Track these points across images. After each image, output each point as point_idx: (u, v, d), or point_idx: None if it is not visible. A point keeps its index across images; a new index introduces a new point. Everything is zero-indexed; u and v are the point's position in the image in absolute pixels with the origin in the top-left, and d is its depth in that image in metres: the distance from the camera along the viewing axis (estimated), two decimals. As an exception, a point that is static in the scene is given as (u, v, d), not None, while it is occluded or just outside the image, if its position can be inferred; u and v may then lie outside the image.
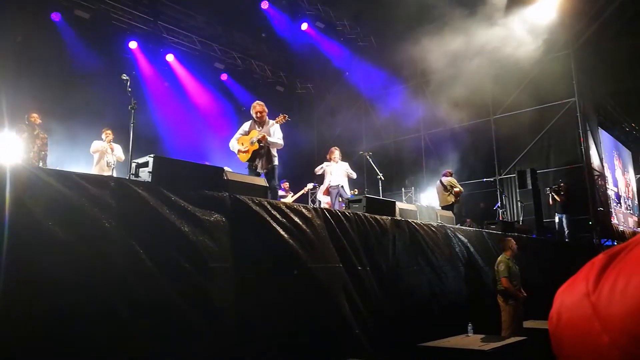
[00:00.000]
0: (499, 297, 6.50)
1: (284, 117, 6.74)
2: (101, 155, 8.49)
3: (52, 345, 2.54)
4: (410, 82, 15.41)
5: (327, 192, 9.05)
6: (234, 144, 6.63)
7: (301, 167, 14.36)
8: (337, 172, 8.87)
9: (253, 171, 6.43)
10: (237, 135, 6.66)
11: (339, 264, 4.52)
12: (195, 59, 14.18)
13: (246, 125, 6.65)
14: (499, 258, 6.65)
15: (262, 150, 6.44)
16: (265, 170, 6.41)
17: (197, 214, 3.44)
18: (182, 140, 12.62)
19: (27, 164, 6.99)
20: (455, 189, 10.02)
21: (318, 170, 9.25)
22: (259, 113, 6.57)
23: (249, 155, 6.46)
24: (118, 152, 8.58)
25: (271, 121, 6.65)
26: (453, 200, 9.98)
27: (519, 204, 12.23)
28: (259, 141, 6.37)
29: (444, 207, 9.59)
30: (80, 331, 2.64)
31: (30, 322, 2.48)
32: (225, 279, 3.48)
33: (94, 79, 10.80)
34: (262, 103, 6.69)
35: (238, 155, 6.61)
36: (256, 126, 6.58)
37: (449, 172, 10.46)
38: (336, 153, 8.97)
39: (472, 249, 6.94)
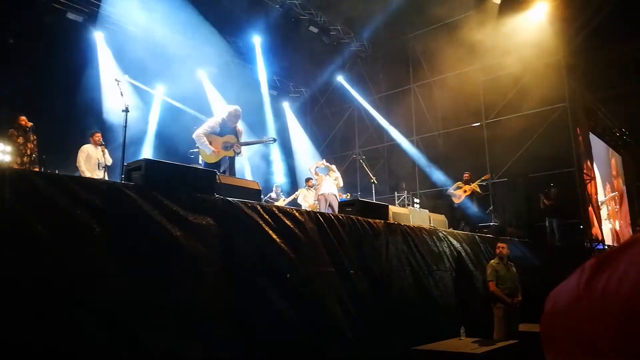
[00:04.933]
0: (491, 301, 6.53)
1: (272, 140, 6.77)
2: (89, 158, 8.42)
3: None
4: (402, 86, 15.48)
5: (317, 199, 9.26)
6: (203, 139, 6.02)
7: (292, 172, 14.37)
8: (331, 181, 9.17)
9: None
10: (206, 130, 6.10)
11: (331, 267, 4.51)
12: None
13: (215, 124, 6.17)
14: (489, 262, 6.68)
15: (232, 157, 6.23)
16: None
17: (188, 218, 3.42)
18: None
19: (16, 167, 6.95)
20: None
21: (314, 171, 9.37)
22: (239, 118, 6.36)
23: (218, 159, 6.09)
24: (105, 155, 8.51)
25: (240, 129, 6.38)
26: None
27: (510, 208, 12.27)
28: (235, 151, 6.18)
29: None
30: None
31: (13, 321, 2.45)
32: (216, 282, 3.46)
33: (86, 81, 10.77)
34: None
35: (202, 152, 6.10)
36: (229, 130, 6.22)
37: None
38: (334, 167, 9.56)
39: (463, 253, 6.95)
